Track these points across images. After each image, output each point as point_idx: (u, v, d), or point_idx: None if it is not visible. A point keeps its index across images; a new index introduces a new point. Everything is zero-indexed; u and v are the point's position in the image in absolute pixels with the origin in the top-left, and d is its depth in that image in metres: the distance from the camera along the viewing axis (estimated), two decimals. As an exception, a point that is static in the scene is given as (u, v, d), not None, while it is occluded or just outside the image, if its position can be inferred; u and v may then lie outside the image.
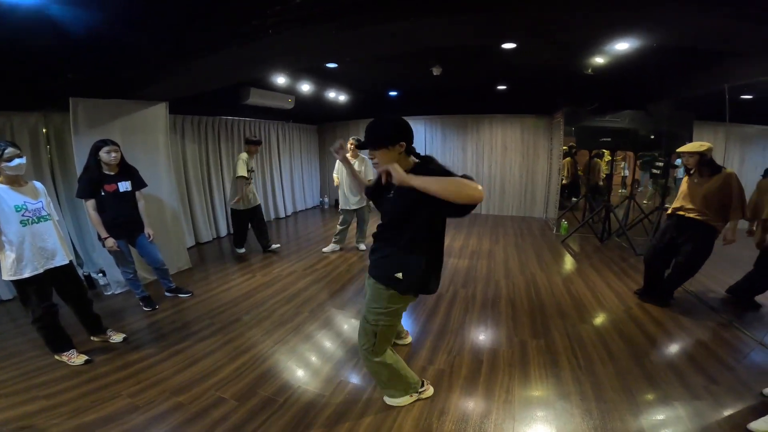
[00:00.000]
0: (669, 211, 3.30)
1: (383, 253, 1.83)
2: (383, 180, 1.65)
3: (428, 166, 1.72)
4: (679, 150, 3.14)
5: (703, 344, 2.68)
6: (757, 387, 2.15)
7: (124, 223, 3.10)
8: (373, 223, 5.37)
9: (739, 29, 2.03)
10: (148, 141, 3.87)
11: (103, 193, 2.97)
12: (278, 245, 5.21)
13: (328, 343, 2.80)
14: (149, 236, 3.25)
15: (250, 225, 4.89)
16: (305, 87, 5.69)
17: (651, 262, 3.39)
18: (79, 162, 3.16)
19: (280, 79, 5.20)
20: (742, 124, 4.14)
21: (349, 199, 4.77)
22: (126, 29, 2.63)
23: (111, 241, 2.99)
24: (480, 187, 1.49)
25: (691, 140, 4.80)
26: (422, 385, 2.18)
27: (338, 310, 3.33)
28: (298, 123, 7.83)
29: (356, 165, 4.74)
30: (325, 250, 5.05)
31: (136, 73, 3.21)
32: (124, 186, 3.08)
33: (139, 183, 3.22)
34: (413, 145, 1.75)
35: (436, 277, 1.84)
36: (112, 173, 3.03)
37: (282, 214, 7.44)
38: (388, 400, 2.13)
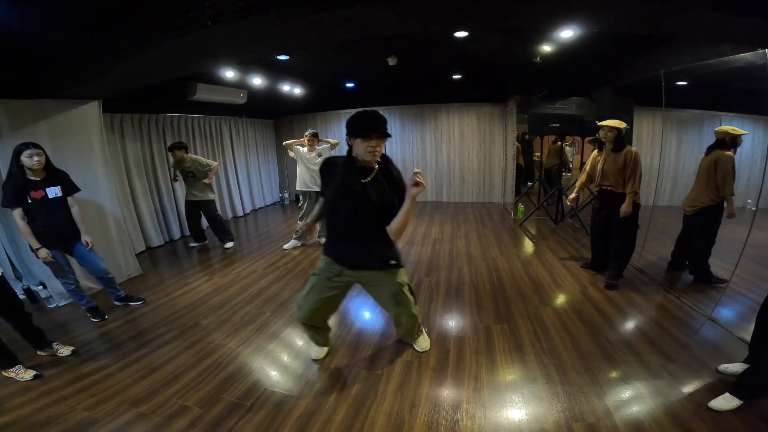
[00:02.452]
0: (595, 188, 3.58)
1: (366, 245, 2.02)
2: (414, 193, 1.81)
3: (390, 167, 1.99)
4: (600, 123, 3.35)
5: (656, 322, 2.82)
6: (712, 363, 2.26)
7: (57, 232, 2.86)
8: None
9: (669, 13, 2.13)
10: (81, 143, 3.56)
11: (30, 201, 2.72)
12: (231, 245, 5.09)
13: (293, 342, 2.73)
14: (87, 244, 3.02)
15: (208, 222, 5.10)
16: (257, 81, 5.48)
17: (595, 239, 3.72)
18: (4, 168, 2.87)
19: (229, 73, 4.98)
20: (678, 108, 4.41)
21: (316, 179, 4.65)
22: (46, 25, 2.40)
23: (44, 252, 2.76)
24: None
25: (631, 125, 5.09)
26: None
27: (302, 309, 3.25)
28: (252, 118, 7.53)
29: (312, 156, 4.63)
30: (285, 246, 4.92)
31: (60, 72, 2.94)
32: (53, 192, 2.83)
33: (70, 188, 2.97)
34: None
35: None
36: (38, 179, 2.78)
37: (240, 212, 7.15)
38: (423, 345, 2.53)
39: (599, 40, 3.91)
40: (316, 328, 2.38)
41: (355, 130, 1.86)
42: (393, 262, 2.08)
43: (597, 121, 4.99)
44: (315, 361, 2.48)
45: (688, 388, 2.08)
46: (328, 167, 2.03)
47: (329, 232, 2.14)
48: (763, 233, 2.85)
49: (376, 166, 1.96)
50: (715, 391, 2.00)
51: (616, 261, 3.43)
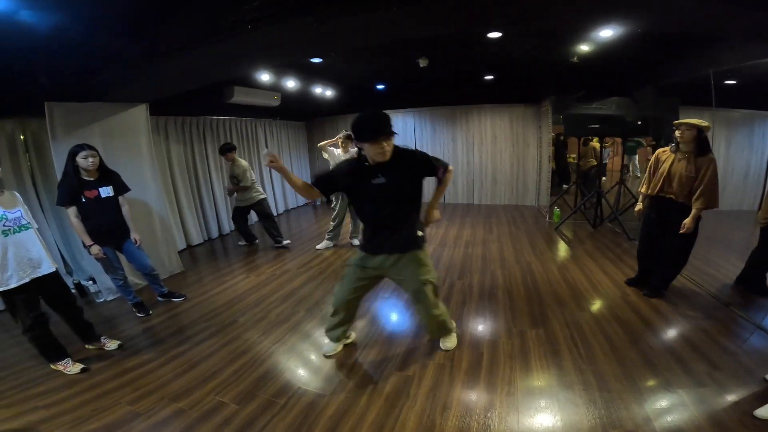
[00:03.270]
0: (649, 192, 3.09)
1: (400, 231, 2.14)
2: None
3: (400, 154, 2.06)
4: (677, 122, 2.88)
5: (702, 329, 2.68)
6: (760, 372, 2.15)
7: (108, 230, 3.02)
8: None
9: (722, 13, 2.03)
10: (130, 144, 3.77)
11: (84, 200, 2.88)
12: (288, 242, 5.19)
13: (326, 341, 2.76)
14: (136, 242, 3.18)
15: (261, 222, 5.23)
16: (291, 83, 5.60)
17: (642, 255, 3.32)
18: (59, 168, 3.06)
19: (265, 76, 5.11)
20: (727, 108, 4.18)
21: None
22: (96, 30, 2.54)
23: (96, 249, 2.92)
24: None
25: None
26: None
27: (335, 308, 3.29)
28: (285, 120, 7.72)
29: (346, 158, 4.69)
30: (318, 247, 5.00)
31: (110, 75, 3.11)
32: (106, 191, 3.00)
33: (121, 188, 3.13)
34: None
35: None
36: (92, 179, 2.95)
37: (274, 213, 7.33)
38: (448, 345, 2.54)
39: (641, 38, 3.74)
40: (341, 320, 2.45)
41: (361, 136, 1.95)
42: (420, 234, 2.20)
43: (639, 122, 4.81)
44: (327, 357, 2.53)
45: (734, 397, 1.98)
46: (345, 166, 2.16)
47: (363, 228, 2.29)
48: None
49: (387, 160, 2.03)
50: (761, 399, 1.91)
51: (665, 272, 3.16)
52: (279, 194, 7.56)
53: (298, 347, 2.70)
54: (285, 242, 5.13)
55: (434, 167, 2.12)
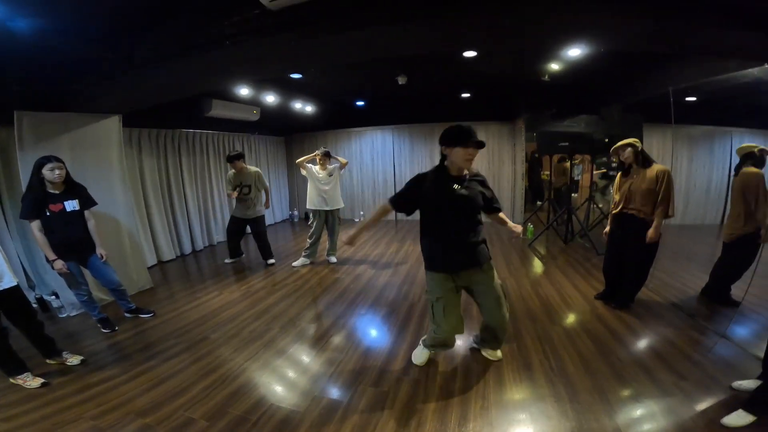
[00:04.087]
0: (613, 212, 3.27)
1: (475, 243, 2.22)
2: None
3: (476, 175, 2.28)
4: (613, 150, 3.16)
5: (668, 340, 2.76)
6: (725, 380, 2.21)
7: (73, 244, 2.93)
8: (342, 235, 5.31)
9: (680, 31, 2.16)
10: (101, 156, 3.68)
11: (48, 213, 2.79)
12: (273, 261, 5.07)
13: (300, 358, 2.72)
14: (102, 257, 3.08)
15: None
16: (270, 98, 5.62)
17: (608, 270, 3.43)
18: (26, 180, 2.96)
19: (244, 90, 5.11)
20: (688, 125, 4.41)
21: (326, 198, 4.70)
22: (73, 40, 2.51)
23: (60, 263, 2.82)
24: None
25: (641, 142, 5.07)
26: None
27: (310, 324, 3.24)
28: (264, 135, 7.70)
29: (323, 175, 4.70)
30: (295, 264, 4.94)
31: (84, 86, 3.06)
32: (71, 205, 2.91)
33: (87, 201, 3.05)
34: None
35: None
36: (57, 192, 2.86)
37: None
38: (499, 354, 2.58)
39: (607, 57, 3.95)
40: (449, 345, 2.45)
41: (454, 138, 2.05)
42: (487, 248, 2.30)
43: (606, 139, 5.03)
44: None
45: (701, 406, 2.04)
46: (420, 182, 2.21)
47: (430, 242, 2.26)
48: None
49: (467, 173, 2.17)
50: (728, 407, 1.96)
51: (630, 285, 3.27)
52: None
53: (272, 364, 2.64)
54: (271, 261, 5.05)
55: (496, 200, 2.37)
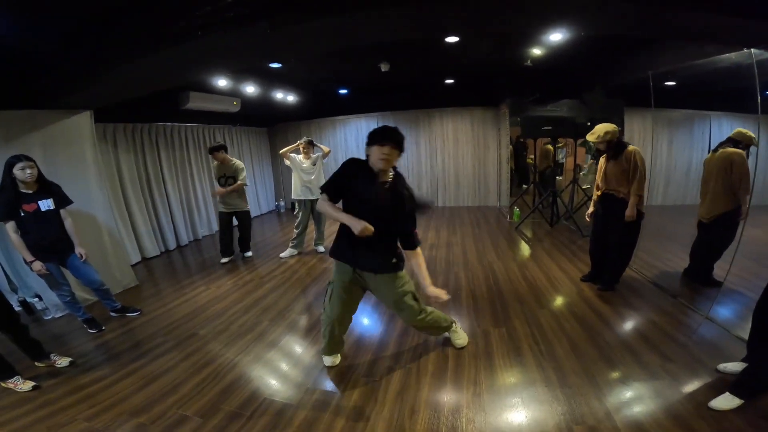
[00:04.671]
0: (596, 193, 3.38)
1: (379, 253, 2.14)
2: None
3: (401, 185, 2.13)
4: (587, 138, 3.23)
5: (653, 322, 2.82)
6: (711, 362, 2.26)
7: (50, 245, 2.85)
8: (330, 224, 5.27)
9: (660, 15, 2.15)
10: (74, 153, 3.54)
11: (22, 214, 2.71)
12: (249, 254, 5.02)
13: (292, 350, 2.72)
14: (81, 256, 3.00)
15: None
16: (250, 89, 5.48)
17: (594, 250, 3.51)
18: (-3, 181, 2.84)
19: (222, 82, 4.97)
20: (668, 108, 4.47)
21: (311, 188, 4.64)
22: (38, 35, 2.39)
23: (38, 265, 2.74)
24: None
25: (622, 126, 5.13)
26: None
27: (300, 315, 3.23)
28: (246, 126, 7.53)
29: (307, 164, 4.64)
30: (282, 255, 4.90)
31: (51, 82, 2.93)
32: (46, 204, 2.82)
33: (62, 200, 2.96)
34: None
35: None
36: (30, 191, 2.77)
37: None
38: (457, 342, 2.60)
39: (588, 42, 3.96)
40: (335, 335, 2.38)
41: (372, 137, 2.01)
42: (394, 260, 2.18)
43: (588, 122, 5.07)
44: (330, 368, 2.47)
45: (688, 388, 2.08)
46: (353, 166, 2.10)
47: (342, 232, 2.19)
48: (757, 230, 2.88)
49: (390, 179, 2.09)
50: (714, 390, 2.00)
51: (612, 266, 3.35)
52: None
53: (263, 357, 2.63)
54: (248, 254, 5.00)
55: (413, 221, 2.21)
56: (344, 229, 2.14)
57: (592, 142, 3.17)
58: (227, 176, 4.60)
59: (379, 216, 2.01)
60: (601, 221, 3.34)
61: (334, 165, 8.08)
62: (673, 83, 3.96)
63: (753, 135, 2.90)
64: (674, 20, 2.23)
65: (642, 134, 5.42)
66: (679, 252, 3.61)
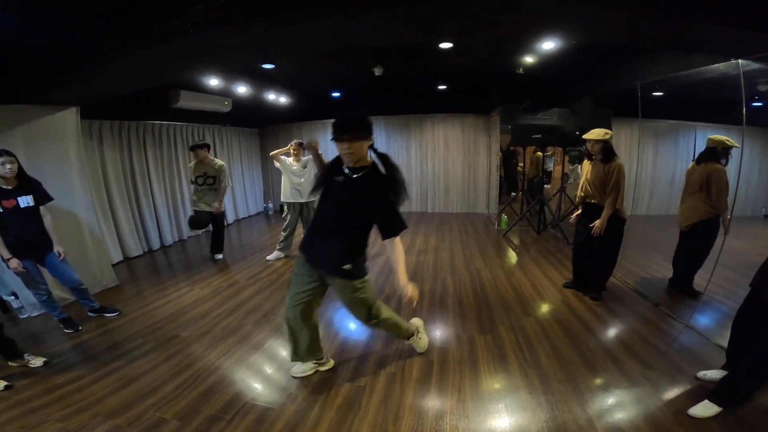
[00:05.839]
0: (577, 200, 3.43)
1: (329, 249, 2.06)
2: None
3: (380, 169, 1.99)
4: (584, 137, 3.24)
5: (634, 330, 2.85)
6: (690, 370, 2.29)
7: (28, 242, 2.78)
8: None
9: (648, 24, 2.19)
10: (57, 150, 3.47)
11: (1, 210, 2.64)
12: (220, 256, 4.95)
13: (275, 353, 2.68)
14: (60, 254, 2.93)
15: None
16: (242, 89, 5.44)
17: (576, 258, 3.55)
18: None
19: (213, 81, 4.92)
20: (654, 119, 4.54)
21: (300, 191, 4.60)
22: (27, 29, 2.34)
23: (15, 262, 2.67)
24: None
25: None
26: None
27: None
28: (236, 126, 7.47)
29: (297, 167, 4.61)
30: (269, 258, 4.84)
31: (37, 77, 2.87)
32: (25, 201, 2.76)
33: (42, 197, 2.89)
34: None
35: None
36: (10, 187, 2.70)
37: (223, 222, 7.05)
38: (418, 348, 2.58)
39: (579, 51, 4.02)
40: (298, 333, 2.24)
41: (332, 133, 1.93)
42: (346, 267, 2.03)
43: (577, 132, 5.14)
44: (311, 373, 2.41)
45: (668, 395, 2.11)
46: (332, 163, 2.11)
47: (309, 227, 2.20)
48: (738, 241, 2.93)
49: (366, 171, 1.98)
50: (694, 397, 2.03)
51: (597, 275, 3.38)
52: (229, 203, 7.26)
53: (246, 360, 2.59)
54: (218, 256, 4.94)
55: (390, 213, 1.95)
56: (312, 222, 2.18)
57: (591, 139, 3.15)
58: (207, 175, 4.56)
59: (340, 211, 1.99)
60: (583, 229, 3.36)
61: (324, 168, 8.12)
62: (661, 93, 4.03)
63: (725, 138, 2.98)
64: (665, 30, 2.27)
65: (629, 144, 5.50)
66: (662, 261, 3.66)
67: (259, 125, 8.27)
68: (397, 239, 1.99)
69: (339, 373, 2.42)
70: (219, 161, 4.65)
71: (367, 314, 2.24)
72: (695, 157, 3.22)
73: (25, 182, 2.79)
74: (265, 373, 2.47)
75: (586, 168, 3.35)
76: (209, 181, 4.57)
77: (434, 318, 3.15)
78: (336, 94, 7.36)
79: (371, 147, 1.98)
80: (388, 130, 7.78)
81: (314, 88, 6.73)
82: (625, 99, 4.25)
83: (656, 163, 5.06)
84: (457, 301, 3.45)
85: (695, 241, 3.16)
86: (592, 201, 3.25)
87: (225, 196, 4.89)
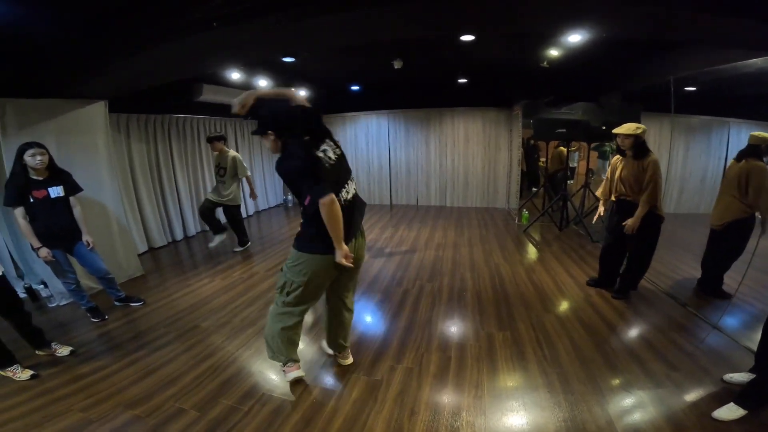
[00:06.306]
0: (611, 198, 3.29)
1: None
2: None
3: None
4: (614, 131, 3.10)
5: (660, 330, 2.76)
6: (716, 372, 2.22)
7: (58, 232, 2.87)
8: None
9: (684, 19, 2.10)
10: (87, 142, 3.57)
11: (32, 200, 2.73)
12: (241, 248, 5.04)
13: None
14: (88, 244, 3.02)
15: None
16: (263, 82, 5.48)
17: (605, 257, 3.42)
18: (10, 167, 2.87)
19: (235, 75, 4.99)
20: (686, 114, 4.36)
21: None
22: (53, 24, 2.41)
23: (45, 251, 2.76)
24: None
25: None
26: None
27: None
28: (256, 119, 7.53)
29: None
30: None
31: (67, 71, 2.96)
32: (56, 191, 2.84)
33: (72, 188, 2.98)
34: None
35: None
36: (41, 178, 2.79)
37: (243, 214, 7.16)
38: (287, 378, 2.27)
39: (608, 44, 3.87)
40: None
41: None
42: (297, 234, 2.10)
43: (604, 126, 4.98)
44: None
45: (692, 397, 2.04)
46: None
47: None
48: (772, 243, 2.80)
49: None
50: (719, 400, 1.97)
51: (630, 274, 3.26)
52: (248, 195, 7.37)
53: (264, 352, 2.61)
54: (237, 248, 5.01)
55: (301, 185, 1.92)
56: None
57: (622, 134, 3.02)
58: (220, 166, 4.64)
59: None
60: (615, 227, 3.22)
61: (343, 161, 8.19)
62: (694, 88, 3.87)
63: None
64: (707, 26, 2.17)
65: (658, 140, 5.29)
66: (690, 261, 3.53)
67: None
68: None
69: (356, 366, 2.43)
70: (232, 152, 4.66)
71: (279, 288, 2.14)
72: (729, 156, 3.08)
73: (55, 173, 2.88)
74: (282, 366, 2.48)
75: (615, 164, 3.22)
76: (221, 173, 4.64)
77: (452, 313, 3.12)
78: (355, 88, 7.34)
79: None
80: (408, 123, 7.72)
81: (333, 81, 6.72)
82: (655, 93, 4.09)
83: (687, 160, 4.86)
84: (476, 297, 3.41)
85: (727, 241, 3.02)
86: (627, 198, 3.12)
87: (241, 189, 4.94)
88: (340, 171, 2.04)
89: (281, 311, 2.15)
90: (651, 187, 2.93)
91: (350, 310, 2.36)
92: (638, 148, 3.00)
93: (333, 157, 2.00)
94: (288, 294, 2.10)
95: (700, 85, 3.79)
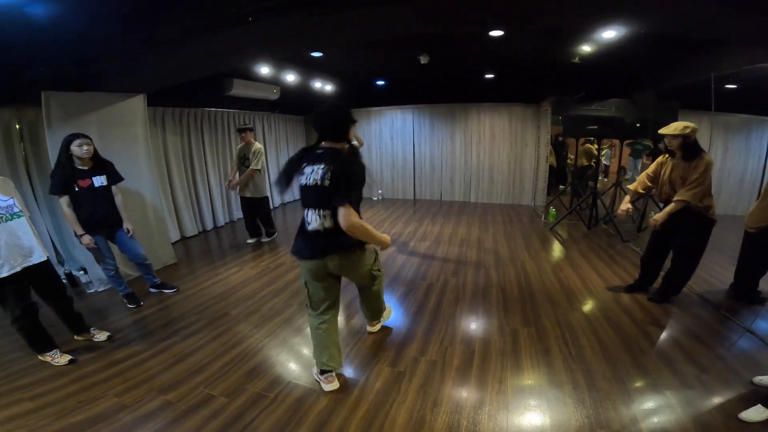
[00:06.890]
0: (661, 200, 3.09)
1: None
2: None
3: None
4: (660, 131, 2.90)
5: (691, 332, 2.69)
6: (747, 375, 2.16)
7: (100, 219, 3.00)
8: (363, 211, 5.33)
9: (724, 17, 2.02)
10: (127, 134, 3.74)
11: (77, 189, 2.87)
12: (268, 239, 5.16)
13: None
14: (128, 231, 3.16)
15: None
16: (290, 77, 5.57)
17: (648, 260, 3.28)
18: (54, 158, 3.03)
19: (264, 69, 5.08)
20: (725, 112, 4.18)
21: None
22: (95, 20, 2.51)
23: (87, 238, 2.91)
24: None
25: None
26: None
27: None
28: (283, 114, 7.68)
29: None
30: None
31: (108, 65, 3.09)
32: (99, 181, 2.98)
33: (115, 177, 3.11)
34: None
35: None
36: (86, 168, 2.93)
37: (270, 206, 7.32)
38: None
39: (643, 41, 3.73)
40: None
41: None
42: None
43: (638, 124, 4.82)
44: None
45: (720, 399, 2.00)
46: None
47: None
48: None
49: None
50: (747, 402, 1.93)
51: (674, 278, 3.11)
52: (275, 188, 7.52)
53: (290, 341, 2.70)
54: (263, 239, 5.12)
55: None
56: None
57: (668, 134, 2.81)
58: (245, 157, 4.71)
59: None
60: (663, 230, 3.02)
61: (367, 157, 8.17)
62: (734, 86, 3.69)
63: None
64: (740, 22, 2.08)
65: (697, 131, 5.10)
66: (724, 263, 3.40)
67: (305, 113, 8.45)
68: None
69: (379, 357, 2.47)
70: (257, 144, 4.73)
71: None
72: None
73: (99, 163, 3.02)
74: (307, 356, 2.51)
75: (664, 165, 3.00)
76: (246, 163, 4.71)
77: (477, 308, 3.12)
78: (380, 82, 7.35)
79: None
80: (433, 118, 7.67)
81: (359, 76, 6.75)
82: (693, 91, 3.92)
83: (725, 160, 4.65)
84: (501, 293, 3.39)
85: (762, 245, 2.85)
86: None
87: (267, 180, 5.04)
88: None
89: (307, 312, 2.29)
90: (692, 186, 2.74)
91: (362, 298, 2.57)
92: (688, 148, 2.78)
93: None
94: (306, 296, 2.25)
95: (742, 82, 3.62)
